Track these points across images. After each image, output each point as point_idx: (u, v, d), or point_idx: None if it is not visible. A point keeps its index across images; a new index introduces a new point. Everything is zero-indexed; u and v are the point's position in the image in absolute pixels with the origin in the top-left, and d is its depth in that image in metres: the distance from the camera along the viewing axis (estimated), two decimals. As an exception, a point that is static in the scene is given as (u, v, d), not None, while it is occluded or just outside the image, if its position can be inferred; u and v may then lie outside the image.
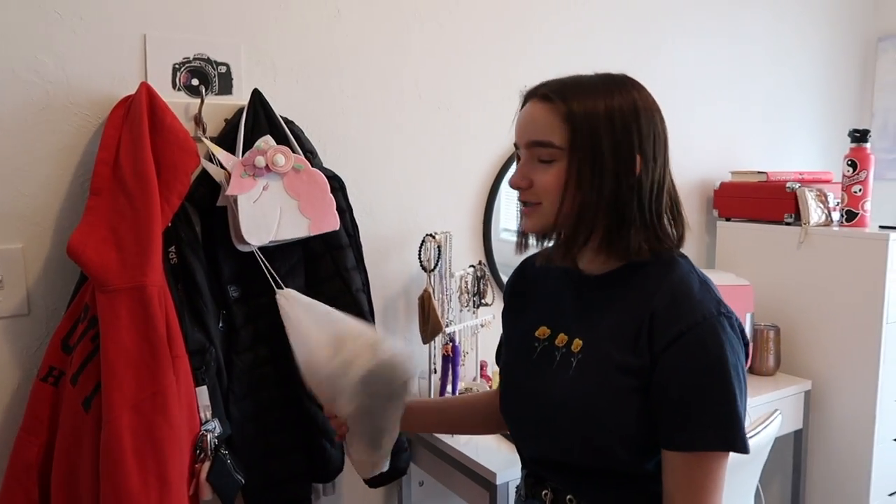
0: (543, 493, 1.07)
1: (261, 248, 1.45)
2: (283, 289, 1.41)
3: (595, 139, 0.93)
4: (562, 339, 1.03)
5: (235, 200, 1.39)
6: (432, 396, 1.75)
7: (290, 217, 1.44)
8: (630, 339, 0.95)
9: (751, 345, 2.12)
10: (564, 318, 1.05)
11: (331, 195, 1.48)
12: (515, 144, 1.01)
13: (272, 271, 1.44)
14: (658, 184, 0.97)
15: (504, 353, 1.17)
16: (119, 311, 1.26)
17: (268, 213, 1.42)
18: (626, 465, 0.96)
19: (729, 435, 0.90)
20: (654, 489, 0.97)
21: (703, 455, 0.91)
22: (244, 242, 1.41)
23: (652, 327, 0.93)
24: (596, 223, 0.96)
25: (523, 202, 1.00)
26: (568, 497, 1.03)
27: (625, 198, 0.95)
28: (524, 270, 1.19)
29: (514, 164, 1.06)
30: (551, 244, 1.05)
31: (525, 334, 1.09)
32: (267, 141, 1.43)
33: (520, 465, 1.14)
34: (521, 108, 1.01)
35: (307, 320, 1.22)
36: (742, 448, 0.90)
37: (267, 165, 1.41)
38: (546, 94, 0.96)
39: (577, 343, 1.01)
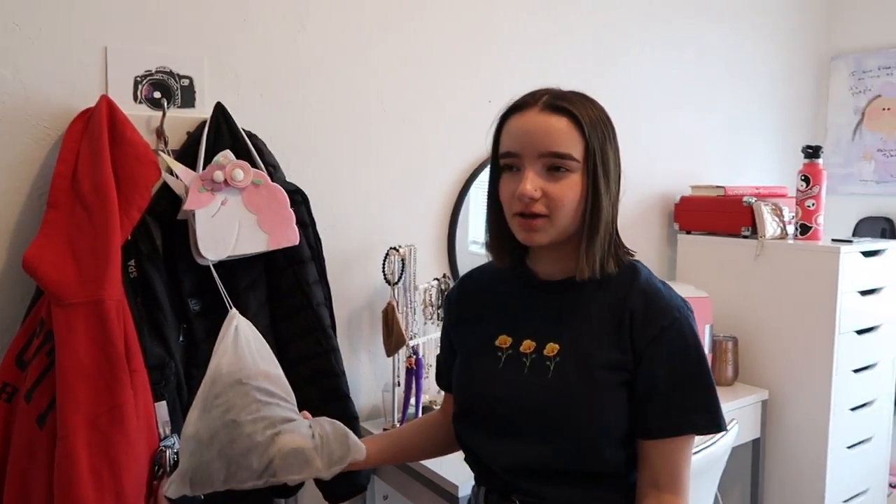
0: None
1: (221, 262, 1.44)
2: (233, 310, 1.20)
3: (604, 151, 0.99)
4: (528, 345, 1.04)
5: (193, 215, 1.39)
6: (395, 409, 1.75)
7: (249, 232, 1.44)
8: (613, 337, 1.00)
9: (710, 356, 2.16)
10: (528, 325, 1.06)
11: (290, 210, 1.48)
12: (510, 153, 0.99)
13: (224, 291, 1.43)
14: (618, 190, 1.05)
15: (459, 368, 1.13)
16: (76, 326, 1.24)
17: (226, 228, 1.42)
18: (607, 464, 1.00)
19: (715, 416, 1.00)
20: (622, 486, 1.03)
21: (685, 438, 1.00)
22: (203, 256, 1.41)
23: (632, 325, 1.00)
24: (610, 233, 1.02)
25: (528, 214, 0.97)
26: None
27: (617, 203, 1.04)
28: (464, 286, 1.19)
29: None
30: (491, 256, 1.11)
31: (484, 346, 1.08)
32: (226, 155, 1.43)
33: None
34: (508, 116, 1.01)
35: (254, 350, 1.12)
36: (725, 426, 1.01)
37: (226, 180, 1.41)
38: (561, 106, 0.97)
39: (553, 347, 1.02)
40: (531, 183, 0.96)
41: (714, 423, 1.00)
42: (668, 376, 0.98)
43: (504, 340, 1.07)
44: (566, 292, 1.04)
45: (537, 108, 0.98)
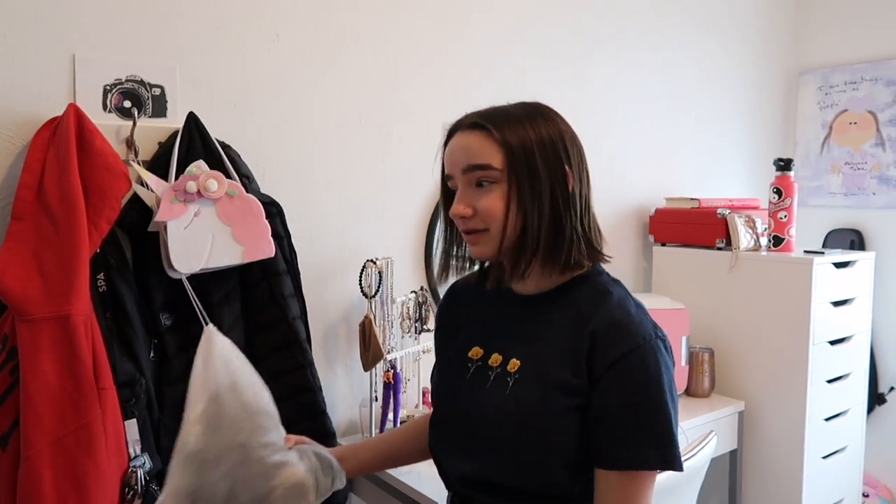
0: None
1: (194, 275, 1.41)
2: (209, 325, 1.17)
3: (530, 159, 0.97)
4: (496, 358, 1.05)
5: (165, 227, 1.35)
6: (373, 424, 1.72)
7: (223, 244, 1.40)
8: (569, 358, 0.97)
9: (686, 367, 2.17)
10: (498, 339, 1.07)
11: (265, 221, 1.45)
12: (447, 176, 1.04)
13: (199, 304, 1.39)
14: (586, 199, 1.03)
15: (436, 375, 1.17)
16: (41, 342, 1.20)
17: (199, 240, 1.38)
18: (557, 487, 0.98)
19: (667, 454, 0.93)
20: None
21: (639, 473, 0.94)
22: (175, 269, 1.37)
23: (592, 348, 0.96)
24: (540, 241, 0.99)
25: (468, 231, 1.01)
26: None
27: (562, 213, 0.99)
28: (455, 294, 1.21)
29: (441, 200, 1.10)
30: (476, 267, 1.11)
31: (458, 355, 1.10)
32: (199, 166, 1.39)
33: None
34: (447, 141, 1.05)
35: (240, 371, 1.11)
36: (678, 466, 0.94)
37: (199, 191, 1.38)
38: (476, 122, 1.00)
39: (514, 363, 1.02)
40: (462, 202, 1.00)
41: (664, 461, 0.93)
42: (621, 406, 0.94)
43: (476, 352, 1.08)
44: (535, 307, 1.04)
45: (462, 129, 1.02)
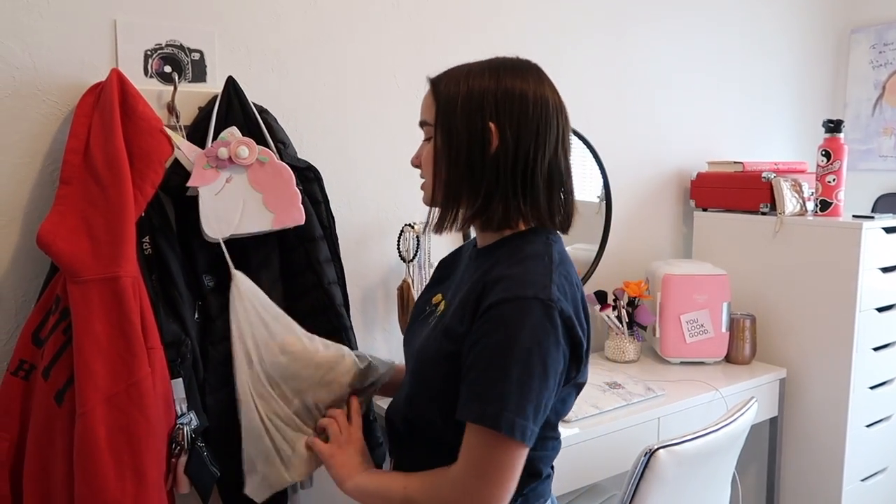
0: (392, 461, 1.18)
1: (234, 238, 1.43)
2: (236, 273, 1.40)
3: (450, 114, 1.00)
4: (442, 306, 1.12)
5: (198, 192, 1.37)
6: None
7: (254, 210, 1.42)
8: (462, 306, 1.00)
9: (727, 334, 2.14)
10: (452, 286, 1.13)
11: (296, 188, 1.45)
12: None
13: (231, 264, 1.41)
14: (527, 162, 0.99)
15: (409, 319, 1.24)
16: (92, 303, 1.23)
17: (230, 206, 1.40)
18: (438, 431, 1.02)
19: (489, 411, 0.89)
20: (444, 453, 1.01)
21: (487, 432, 0.90)
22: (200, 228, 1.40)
23: (479, 298, 0.97)
24: (456, 196, 1.02)
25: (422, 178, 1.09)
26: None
27: (479, 170, 1.00)
28: (462, 249, 1.24)
29: None
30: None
31: (426, 301, 1.18)
32: (232, 132, 1.40)
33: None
34: None
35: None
36: (500, 428, 0.89)
37: (230, 157, 1.39)
38: (431, 79, 1.07)
39: (441, 308, 1.10)
40: (415, 154, 1.09)
41: (484, 417, 0.89)
42: (473, 356, 0.93)
43: (437, 299, 1.15)
44: (477, 259, 1.08)
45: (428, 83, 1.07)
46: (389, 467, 1.21)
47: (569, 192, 1.05)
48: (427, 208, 1.10)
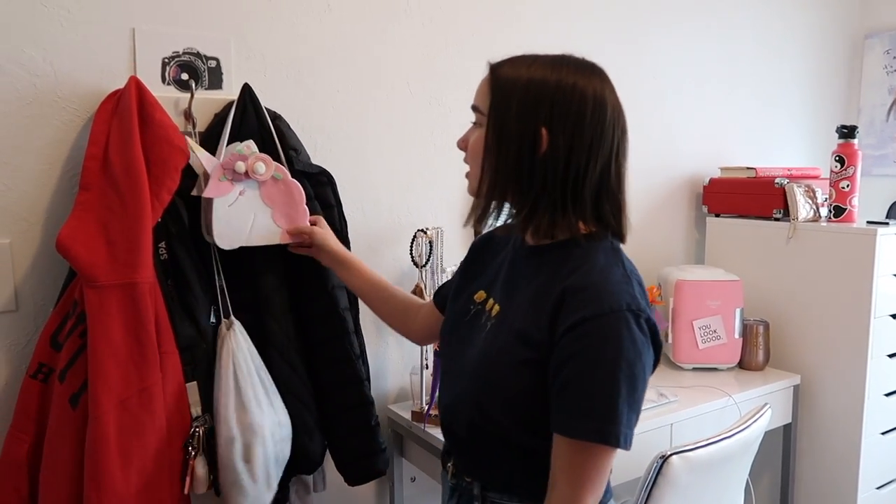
0: (448, 464, 1.13)
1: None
2: (230, 318, 1.46)
3: (505, 107, 0.96)
4: (490, 303, 1.08)
5: (212, 203, 1.39)
6: (423, 391, 1.75)
7: (263, 224, 1.44)
8: (536, 311, 0.97)
9: (740, 340, 2.13)
10: (498, 285, 1.09)
11: (305, 207, 1.47)
12: None
13: (224, 287, 1.47)
14: (578, 171, 0.96)
15: (447, 312, 1.19)
16: (108, 308, 1.25)
17: (241, 219, 1.42)
18: (509, 436, 0.99)
19: (605, 428, 0.90)
20: (530, 468, 0.99)
21: (585, 444, 0.91)
22: (209, 235, 1.43)
23: (560, 305, 0.94)
24: (500, 193, 0.99)
25: (465, 165, 1.06)
26: (466, 478, 1.08)
27: (528, 172, 0.96)
28: (492, 238, 1.20)
29: None
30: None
31: (468, 297, 1.13)
32: (249, 146, 1.42)
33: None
34: None
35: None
36: (617, 443, 0.90)
37: (247, 171, 1.41)
38: (490, 65, 1.02)
39: (496, 309, 1.06)
40: (462, 135, 1.05)
41: (600, 435, 0.89)
42: (571, 372, 0.91)
43: (480, 295, 1.11)
44: (530, 258, 1.05)
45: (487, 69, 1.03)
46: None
47: (620, 203, 1.02)
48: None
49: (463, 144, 1.05)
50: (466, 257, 1.22)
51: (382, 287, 1.42)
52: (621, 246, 1.04)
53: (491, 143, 0.98)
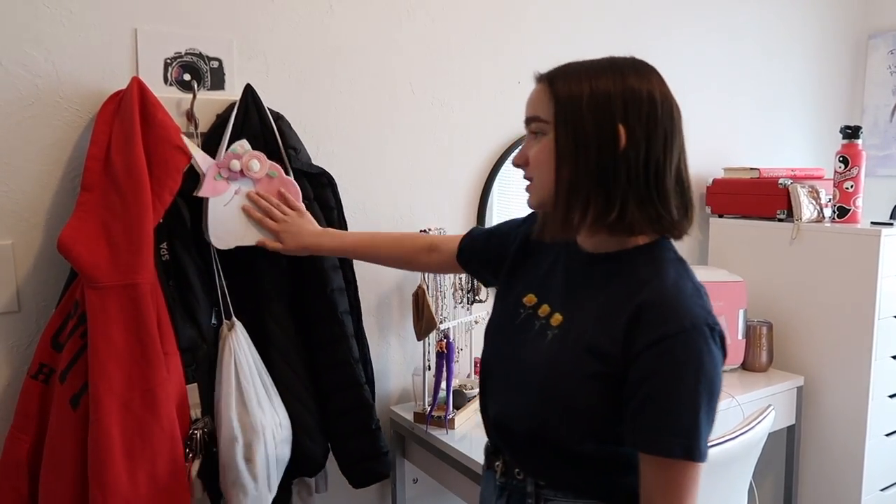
0: (496, 463, 1.10)
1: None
2: (231, 320, 1.46)
3: (577, 112, 0.94)
4: (545, 309, 1.05)
5: (207, 202, 1.39)
6: (426, 392, 1.74)
7: (258, 223, 1.44)
8: (609, 325, 0.95)
9: (744, 341, 2.12)
10: (551, 290, 1.07)
11: (301, 204, 1.47)
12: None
13: (223, 285, 1.46)
14: (658, 164, 0.96)
15: (492, 314, 1.17)
16: (109, 308, 1.24)
17: (237, 218, 1.42)
18: (567, 445, 0.98)
19: (691, 445, 0.90)
20: (605, 477, 0.99)
21: (672, 461, 0.91)
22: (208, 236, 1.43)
23: (636, 321, 0.93)
24: (584, 197, 0.96)
25: (525, 179, 1.03)
26: (516, 470, 1.06)
27: (610, 171, 0.94)
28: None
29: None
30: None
31: (516, 298, 1.11)
32: (242, 145, 1.42)
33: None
34: None
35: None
36: (700, 458, 0.91)
37: (242, 170, 1.41)
38: (541, 75, 1.01)
39: (557, 318, 1.03)
40: (518, 153, 1.03)
41: (687, 451, 0.90)
42: (654, 389, 0.91)
43: (530, 299, 1.09)
44: (592, 266, 1.03)
45: (536, 81, 1.02)
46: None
47: (691, 199, 1.01)
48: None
49: (522, 160, 1.01)
50: (521, 234, 1.18)
51: (369, 246, 1.44)
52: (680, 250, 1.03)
53: (565, 148, 0.95)
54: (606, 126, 0.94)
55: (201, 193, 1.39)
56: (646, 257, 0.99)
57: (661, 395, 0.91)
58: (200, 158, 1.39)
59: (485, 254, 1.27)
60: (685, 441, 0.90)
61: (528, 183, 1.02)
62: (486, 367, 1.13)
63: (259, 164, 1.42)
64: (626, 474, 0.97)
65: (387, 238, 1.47)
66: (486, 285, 1.34)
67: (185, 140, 1.40)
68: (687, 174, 1.01)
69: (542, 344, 1.02)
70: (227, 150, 1.43)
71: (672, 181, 0.97)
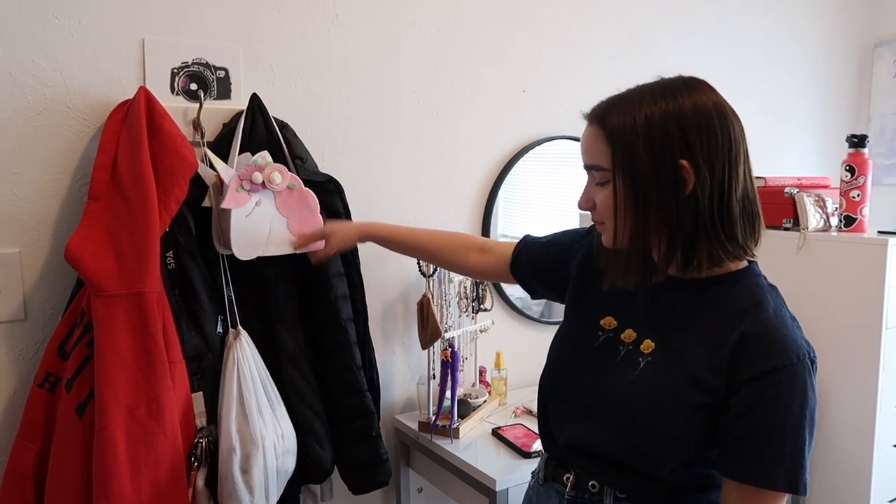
0: (566, 476, 1.06)
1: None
2: (237, 329, 1.47)
3: (633, 156, 0.91)
4: (629, 334, 1.02)
5: (229, 214, 1.39)
6: (430, 401, 1.74)
7: (279, 234, 1.45)
8: (711, 354, 0.93)
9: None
10: (635, 315, 1.03)
11: (319, 216, 1.48)
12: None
13: (233, 306, 1.45)
14: (722, 191, 0.92)
15: (560, 330, 1.13)
16: (115, 317, 1.25)
17: (258, 229, 1.43)
18: (662, 471, 0.96)
19: (795, 478, 0.90)
20: (686, 494, 0.98)
21: (762, 492, 0.91)
22: (223, 246, 1.43)
23: (740, 351, 0.91)
24: (651, 242, 0.94)
25: (594, 221, 1.01)
26: (591, 483, 1.03)
27: (677, 213, 0.91)
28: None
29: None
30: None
31: (590, 319, 1.07)
32: (264, 157, 1.43)
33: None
34: None
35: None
36: (803, 492, 0.91)
37: (263, 182, 1.41)
38: (592, 116, 0.97)
39: (649, 344, 0.99)
40: (582, 196, 1.01)
41: (791, 485, 0.89)
42: (760, 422, 0.90)
43: (609, 322, 1.05)
44: (681, 292, 0.99)
45: (588, 121, 0.98)
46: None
47: (760, 214, 0.98)
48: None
49: (589, 205, 0.99)
50: (583, 262, 1.13)
51: (416, 236, 1.40)
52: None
53: (627, 197, 0.93)
54: (667, 166, 0.90)
55: (225, 205, 1.39)
56: (739, 284, 0.96)
57: (766, 428, 0.90)
58: (223, 170, 1.39)
59: (542, 262, 1.23)
60: (789, 475, 0.89)
61: (599, 224, 1.00)
62: (556, 387, 1.09)
63: (281, 176, 1.43)
64: (706, 492, 0.98)
65: (436, 231, 1.44)
66: (533, 296, 1.31)
67: (207, 151, 1.40)
68: (753, 189, 0.97)
69: (633, 372, 0.99)
70: (238, 159, 1.44)
71: (739, 205, 0.94)
